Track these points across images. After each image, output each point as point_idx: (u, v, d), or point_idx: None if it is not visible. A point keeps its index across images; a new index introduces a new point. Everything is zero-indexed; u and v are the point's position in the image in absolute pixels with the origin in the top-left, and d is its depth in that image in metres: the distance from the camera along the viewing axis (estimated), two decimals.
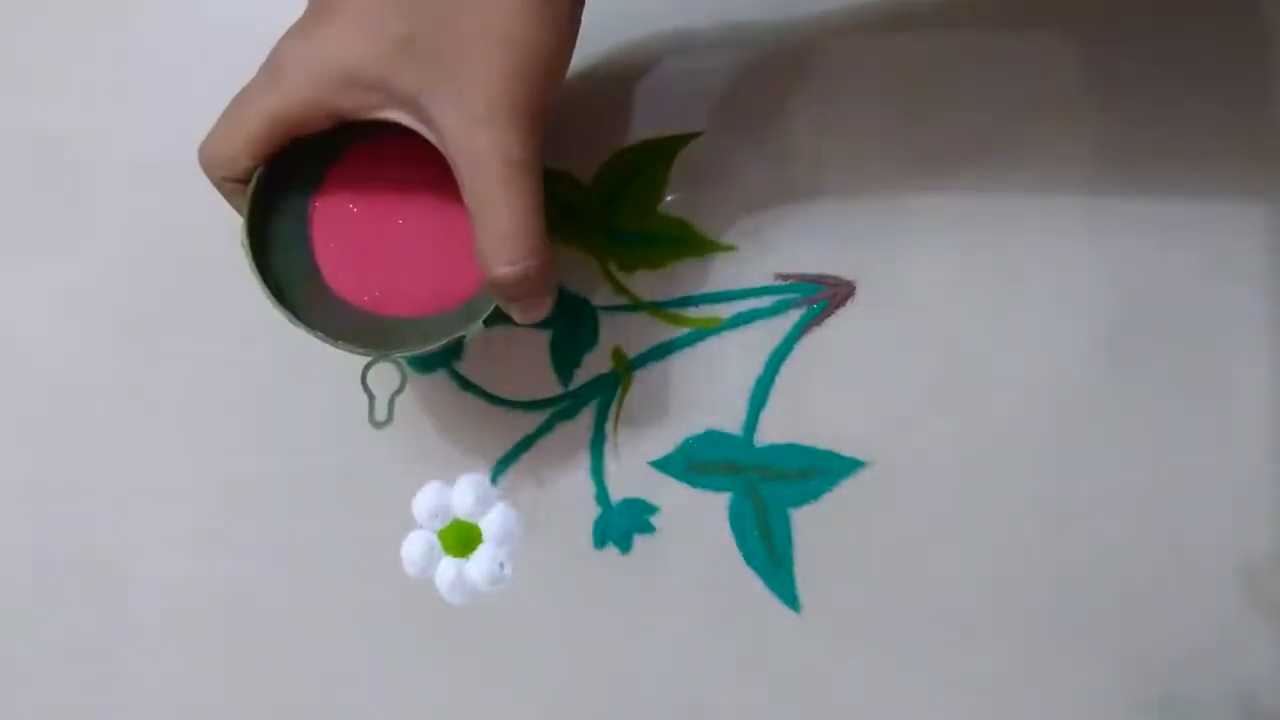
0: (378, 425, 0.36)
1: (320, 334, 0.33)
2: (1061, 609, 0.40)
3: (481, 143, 0.30)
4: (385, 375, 0.37)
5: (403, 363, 0.38)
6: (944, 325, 0.40)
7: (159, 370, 0.42)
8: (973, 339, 0.40)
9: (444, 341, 0.34)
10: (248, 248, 0.33)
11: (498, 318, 0.34)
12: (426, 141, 0.32)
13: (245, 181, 0.33)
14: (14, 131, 0.44)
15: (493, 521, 0.41)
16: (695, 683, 0.40)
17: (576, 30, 0.32)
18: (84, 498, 0.42)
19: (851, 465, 0.40)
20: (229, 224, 0.42)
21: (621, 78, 0.41)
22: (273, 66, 0.32)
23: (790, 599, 0.40)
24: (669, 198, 0.41)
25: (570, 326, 0.41)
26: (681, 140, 0.41)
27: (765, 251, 0.41)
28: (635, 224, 0.41)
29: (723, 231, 0.41)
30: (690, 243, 0.41)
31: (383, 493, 0.41)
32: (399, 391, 0.37)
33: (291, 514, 0.41)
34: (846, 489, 0.40)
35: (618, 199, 0.41)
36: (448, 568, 0.41)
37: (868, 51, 0.41)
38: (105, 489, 0.42)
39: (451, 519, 0.41)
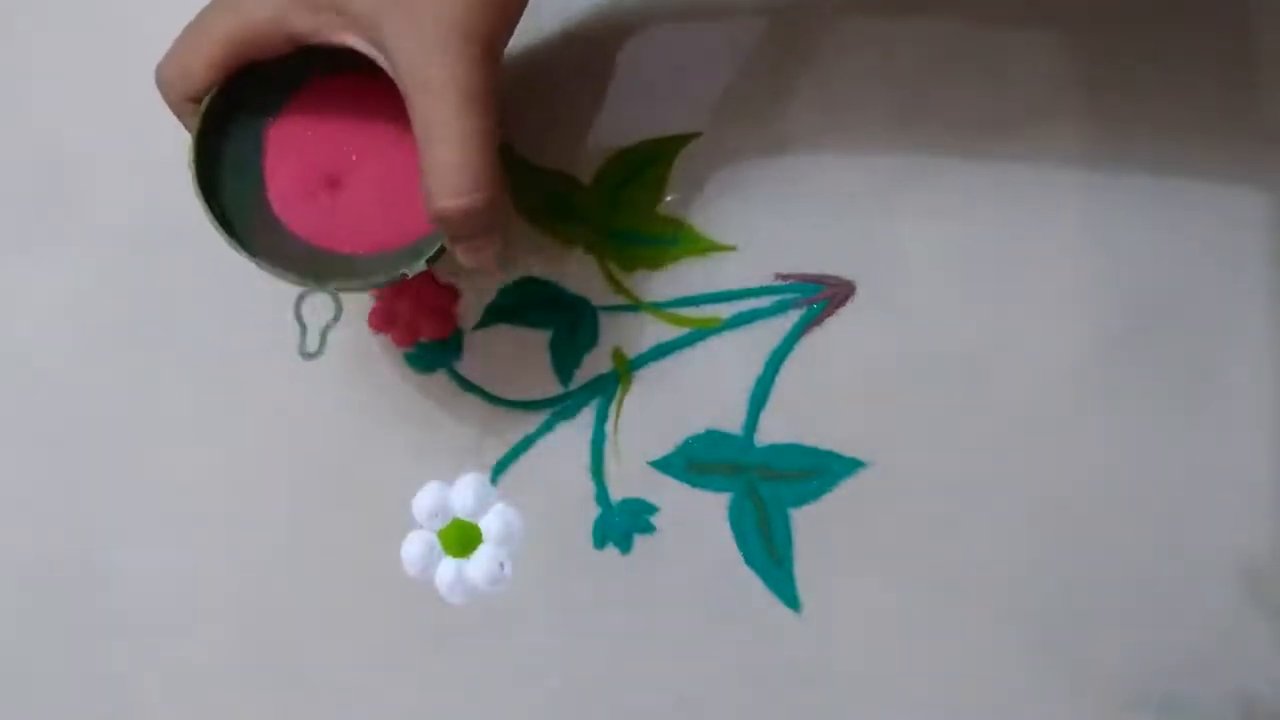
0: (308, 356, 0.36)
1: (261, 261, 0.33)
2: (1061, 609, 0.40)
3: (433, 70, 0.30)
4: (322, 310, 0.38)
5: (338, 297, 0.38)
6: (944, 325, 0.40)
7: (159, 370, 0.42)
8: (973, 339, 0.40)
9: (384, 278, 0.34)
10: (193, 166, 0.33)
11: (443, 259, 0.34)
12: (387, 75, 0.32)
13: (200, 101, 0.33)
14: (14, 131, 0.44)
15: (492, 521, 0.41)
16: (695, 683, 0.40)
17: None
18: (84, 498, 0.42)
19: (851, 465, 0.40)
20: None
21: (621, 78, 0.41)
22: None
23: (790, 599, 0.40)
24: (669, 198, 0.41)
25: (570, 326, 0.41)
26: (681, 140, 0.41)
27: (765, 251, 0.41)
28: (635, 224, 0.41)
29: (723, 231, 0.41)
30: (690, 243, 0.41)
31: (383, 493, 0.41)
32: (333, 323, 0.37)
33: (291, 514, 0.41)
34: (846, 489, 0.40)
35: (618, 199, 0.41)
36: (448, 568, 0.41)
37: (868, 51, 0.41)
38: (105, 489, 0.42)
39: (451, 519, 0.41)
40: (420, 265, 0.33)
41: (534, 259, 0.41)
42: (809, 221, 0.41)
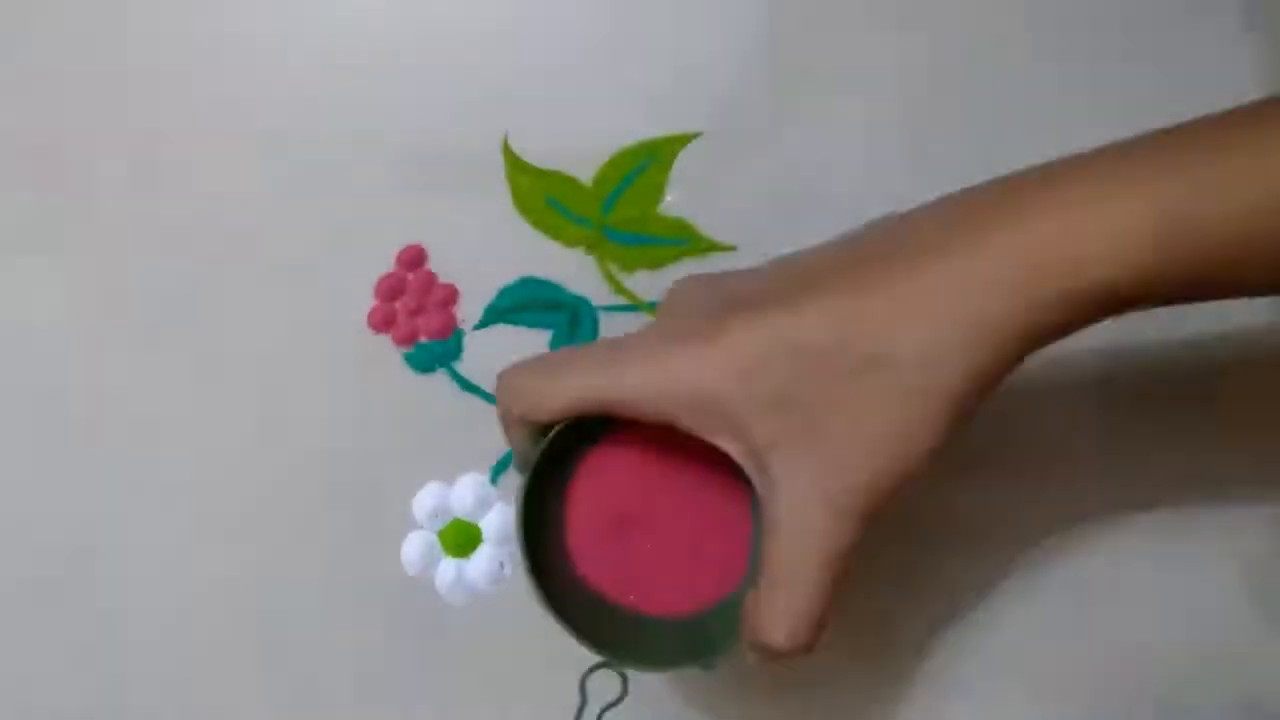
0: None
1: (568, 625, 0.32)
2: (1062, 609, 0.40)
3: (819, 524, 0.29)
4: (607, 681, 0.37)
5: (626, 678, 0.37)
6: None
7: (159, 371, 0.42)
8: None
9: (681, 667, 0.33)
10: (520, 509, 0.32)
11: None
12: (698, 439, 0.30)
13: (536, 426, 0.32)
14: (14, 132, 0.44)
15: (492, 521, 0.41)
16: (695, 682, 0.40)
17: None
18: (84, 498, 0.42)
19: None
20: (232, 224, 0.42)
21: (622, 78, 0.41)
22: (628, 352, 0.31)
23: None
24: (669, 198, 0.41)
25: (570, 326, 0.41)
26: (681, 140, 0.41)
27: (765, 251, 0.41)
28: (635, 224, 0.41)
29: (723, 231, 0.41)
30: (690, 243, 0.41)
31: (383, 493, 0.41)
32: (615, 704, 0.35)
33: (291, 515, 0.41)
34: None
35: (618, 199, 0.41)
36: (448, 568, 0.41)
37: (868, 51, 0.41)
38: (105, 489, 0.42)
39: (451, 519, 0.41)
40: (716, 663, 0.32)
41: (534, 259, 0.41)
42: (809, 221, 0.41)
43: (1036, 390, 0.40)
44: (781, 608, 0.30)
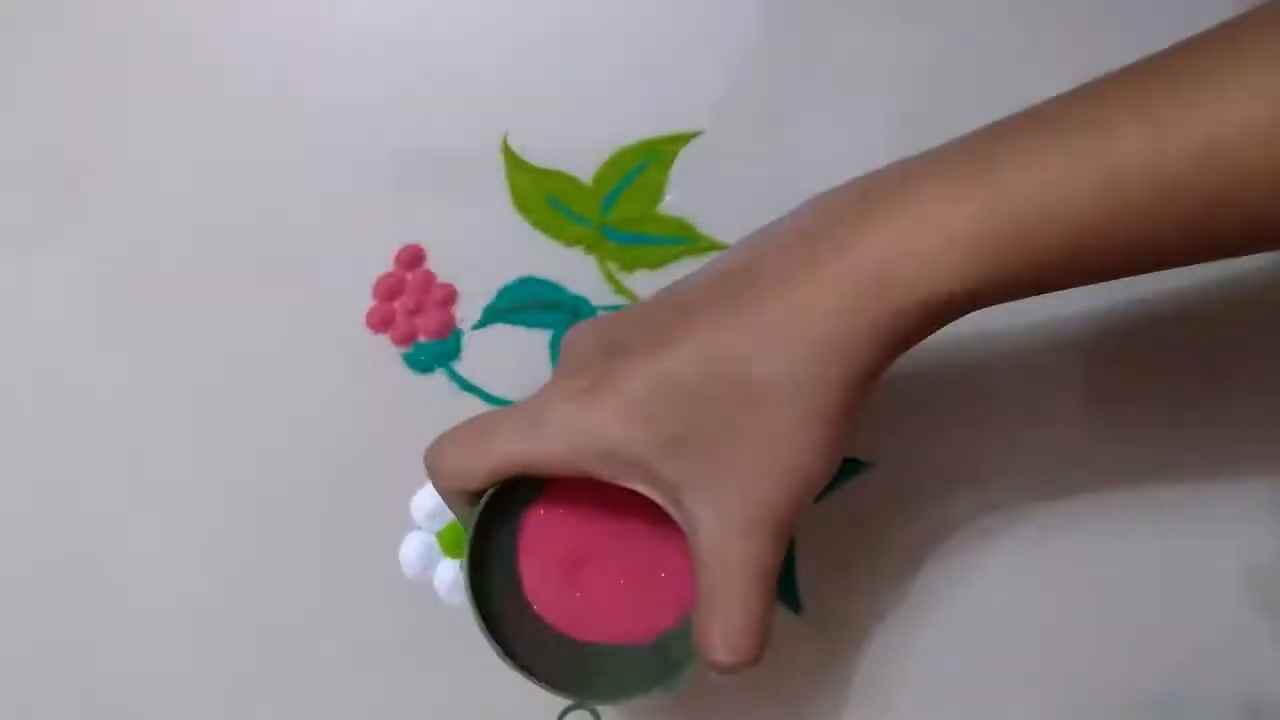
0: None
1: (525, 672, 0.33)
2: (1063, 609, 0.39)
3: (735, 549, 0.30)
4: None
5: (598, 711, 0.37)
6: None
7: (159, 370, 0.42)
8: (971, 339, 0.40)
9: (640, 694, 0.34)
10: (467, 567, 0.33)
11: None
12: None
13: (472, 495, 0.33)
14: (14, 132, 0.44)
15: None
16: (694, 681, 0.40)
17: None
18: (84, 498, 0.42)
19: (852, 465, 0.40)
20: (230, 223, 0.42)
21: (622, 78, 0.41)
22: (533, 415, 0.32)
23: (790, 599, 0.40)
24: (669, 198, 0.41)
25: (570, 326, 0.41)
26: (681, 140, 0.41)
27: None
28: (635, 224, 0.41)
29: (723, 231, 0.41)
30: (690, 243, 0.41)
31: (381, 493, 0.41)
32: None
33: (291, 514, 0.41)
34: (846, 489, 0.40)
35: (618, 199, 0.41)
36: (446, 569, 0.41)
37: (868, 50, 0.41)
38: (105, 489, 0.42)
39: (450, 520, 0.41)
40: (678, 686, 0.33)
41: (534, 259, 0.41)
42: None
43: (1019, 369, 0.40)
44: (719, 629, 0.31)
